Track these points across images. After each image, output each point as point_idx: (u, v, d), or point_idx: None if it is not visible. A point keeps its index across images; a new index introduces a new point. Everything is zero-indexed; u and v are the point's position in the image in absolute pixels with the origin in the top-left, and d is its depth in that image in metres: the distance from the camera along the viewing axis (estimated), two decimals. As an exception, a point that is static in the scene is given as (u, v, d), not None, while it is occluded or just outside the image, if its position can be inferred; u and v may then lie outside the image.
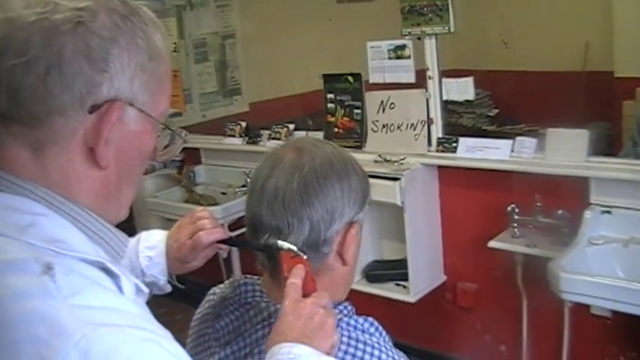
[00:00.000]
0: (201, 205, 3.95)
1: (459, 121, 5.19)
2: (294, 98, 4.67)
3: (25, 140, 0.88)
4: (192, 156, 4.31)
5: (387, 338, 1.37)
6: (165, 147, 1.06)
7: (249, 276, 1.47)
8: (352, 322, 1.34)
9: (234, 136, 4.08)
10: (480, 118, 5.33)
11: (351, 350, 1.28)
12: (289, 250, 1.26)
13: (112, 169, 0.93)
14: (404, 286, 3.28)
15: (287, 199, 1.28)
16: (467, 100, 4.63)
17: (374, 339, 1.33)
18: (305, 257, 1.25)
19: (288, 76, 4.67)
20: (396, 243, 3.36)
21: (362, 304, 3.42)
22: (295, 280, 1.21)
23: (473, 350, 3.35)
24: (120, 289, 0.90)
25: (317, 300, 1.19)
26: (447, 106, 4.44)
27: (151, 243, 1.53)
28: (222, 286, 1.52)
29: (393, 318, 3.46)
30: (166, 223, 4.25)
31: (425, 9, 3.02)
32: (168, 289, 1.56)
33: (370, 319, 1.37)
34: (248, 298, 1.42)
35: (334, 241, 1.31)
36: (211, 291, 1.53)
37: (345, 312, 1.36)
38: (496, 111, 5.27)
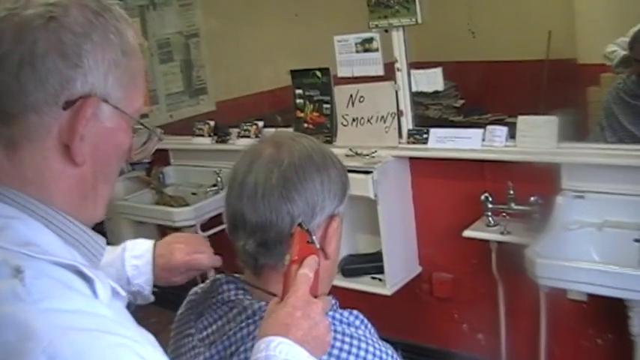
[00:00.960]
0: (172, 206, 3.92)
1: (425, 112, 5.19)
2: (262, 95, 4.64)
3: None
4: (160, 157, 4.27)
5: (372, 331, 1.37)
6: (142, 145, 1.05)
7: (231, 274, 1.45)
8: (337, 315, 1.34)
9: (202, 135, 4.05)
10: (447, 109, 5.34)
11: (338, 344, 1.27)
12: (308, 231, 1.22)
13: (88, 167, 0.92)
14: (380, 279, 3.28)
15: (267, 194, 1.27)
16: (433, 92, 4.67)
17: (360, 332, 1.33)
18: (318, 250, 1.23)
19: (255, 73, 4.64)
20: (371, 236, 3.36)
21: (339, 298, 3.42)
22: (308, 272, 1.17)
23: (451, 340, 3.36)
24: (94, 292, 0.88)
25: (325, 306, 1.18)
26: (413, 98, 4.46)
27: (138, 252, 1.54)
28: (203, 285, 1.50)
29: (371, 311, 3.44)
30: (137, 225, 4.22)
31: (391, 1, 3.02)
32: (152, 299, 1.56)
33: (355, 312, 1.37)
34: (231, 296, 1.40)
35: (316, 235, 1.29)
36: (192, 291, 1.52)
37: (329, 306, 1.35)
38: (462, 102, 5.30)
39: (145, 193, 4.17)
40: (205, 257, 1.54)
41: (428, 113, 5.25)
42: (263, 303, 1.34)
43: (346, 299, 3.29)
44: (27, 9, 0.86)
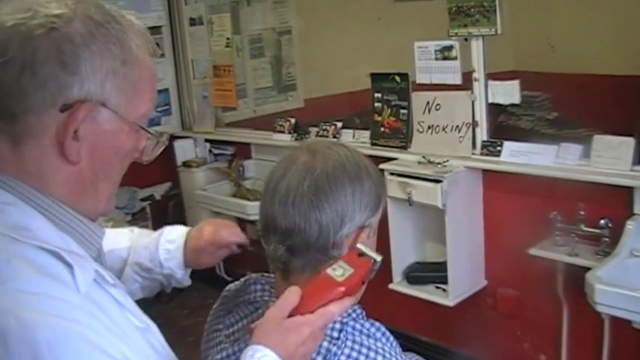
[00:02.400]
0: (248, 199, 3.99)
1: (517, 123, 5.10)
2: (346, 96, 4.66)
3: (4, 133, 0.97)
4: (242, 150, 4.36)
5: (394, 344, 1.36)
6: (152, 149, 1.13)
7: (265, 274, 1.48)
8: (358, 326, 1.34)
9: (283, 132, 4.10)
10: (540, 121, 5.22)
11: (354, 354, 1.28)
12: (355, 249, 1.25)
13: (86, 165, 1.01)
14: (443, 289, 3.25)
15: (297, 200, 1.29)
16: (526, 103, 4.57)
17: (379, 344, 1.32)
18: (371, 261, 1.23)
19: (340, 73, 4.65)
20: (439, 245, 3.32)
21: (401, 305, 3.42)
22: (335, 310, 1.17)
23: (511, 358, 3.29)
24: (73, 277, 0.94)
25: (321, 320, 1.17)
26: (506, 108, 4.38)
27: (172, 237, 1.61)
28: (237, 283, 1.54)
29: (434, 320, 3.44)
30: (214, 216, 4.31)
31: (472, 10, 2.97)
32: (187, 282, 1.64)
33: (377, 324, 1.37)
34: (257, 296, 1.43)
35: (344, 245, 1.31)
36: (227, 287, 1.56)
37: (353, 315, 1.35)
38: (555, 114, 5.16)
39: (224, 184, 4.28)
40: (228, 233, 1.61)
41: (520, 124, 5.14)
42: None
43: (408, 306, 3.32)
44: (33, 19, 0.95)
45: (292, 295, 1.17)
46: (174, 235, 1.62)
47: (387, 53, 3.84)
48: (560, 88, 4.73)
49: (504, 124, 4.47)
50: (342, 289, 1.18)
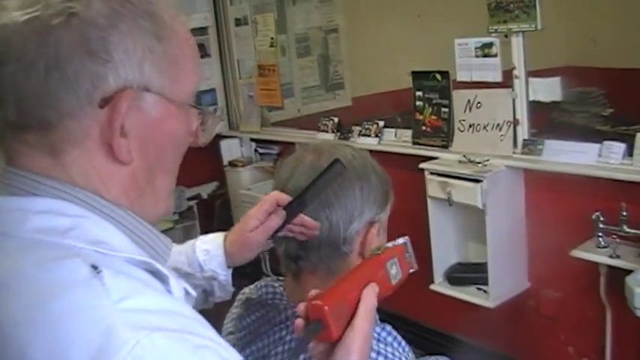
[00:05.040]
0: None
1: (570, 120, 4.98)
2: (393, 94, 4.62)
3: (42, 148, 0.83)
4: (287, 150, 4.37)
5: (407, 348, 1.34)
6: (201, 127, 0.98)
7: (281, 277, 1.48)
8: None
9: (326, 131, 4.09)
10: (594, 117, 5.09)
11: None
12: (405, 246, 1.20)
13: (139, 162, 0.87)
14: (485, 291, 3.19)
15: None
16: (580, 99, 4.46)
17: (389, 349, 1.30)
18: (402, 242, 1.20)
19: (386, 71, 4.62)
20: (481, 246, 3.26)
21: (443, 305, 3.38)
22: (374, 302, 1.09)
23: (555, 361, 3.22)
24: (169, 292, 0.84)
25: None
26: (559, 104, 4.27)
27: (208, 238, 1.48)
28: (251, 286, 1.54)
29: (476, 321, 3.38)
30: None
31: (511, 5, 2.91)
32: (231, 288, 1.48)
33: (389, 327, 1.35)
34: (269, 299, 1.44)
35: (355, 241, 1.32)
36: (242, 291, 1.55)
37: None
38: (610, 110, 5.02)
39: (269, 183, 4.27)
40: (273, 193, 1.38)
41: (574, 120, 5.02)
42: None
43: (450, 306, 3.27)
44: (47, 9, 0.80)
45: (373, 296, 1.08)
46: (210, 236, 1.48)
47: (430, 50, 3.78)
48: (615, 83, 4.60)
49: (557, 121, 4.38)
50: (389, 292, 1.14)
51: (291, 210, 1.31)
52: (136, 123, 0.84)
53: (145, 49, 0.84)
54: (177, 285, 0.86)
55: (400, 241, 1.19)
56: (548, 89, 2.97)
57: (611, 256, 2.70)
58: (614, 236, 2.73)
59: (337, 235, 1.29)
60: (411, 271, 1.19)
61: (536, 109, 3.16)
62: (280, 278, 1.48)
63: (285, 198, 1.33)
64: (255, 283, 1.51)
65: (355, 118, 4.10)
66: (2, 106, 0.82)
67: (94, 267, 0.77)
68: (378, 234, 1.34)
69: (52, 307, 0.74)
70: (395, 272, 1.15)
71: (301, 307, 1.04)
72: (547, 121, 3.94)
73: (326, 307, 1.01)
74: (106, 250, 0.81)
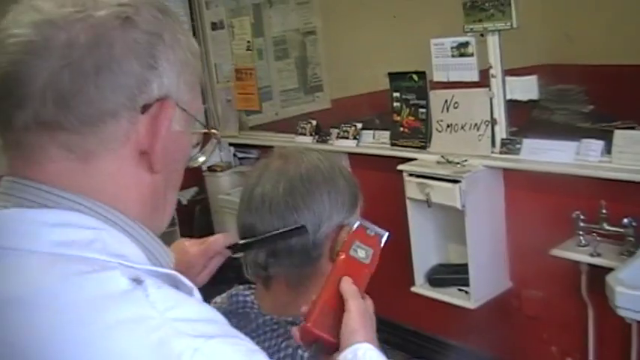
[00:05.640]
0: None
1: (551, 117, 4.98)
2: (372, 96, 4.59)
3: (73, 149, 0.81)
4: (266, 154, 4.32)
5: None
6: (200, 148, 1.00)
7: (250, 286, 1.45)
8: None
9: (304, 134, 4.06)
10: (574, 114, 5.08)
11: None
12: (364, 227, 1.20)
13: (161, 174, 0.87)
14: (466, 292, 3.17)
15: (274, 204, 1.29)
16: (560, 96, 4.45)
17: None
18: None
19: (365, 72, 4.59)
20: (462, 246, 3.24)
21: (425, 307, 3.35)
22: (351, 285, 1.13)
23: (538, 360, 3.20)
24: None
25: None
26: (539, 102, 4.26)
27: None
28: (223, 295, 1.51)
29: (458, 322, 3.36)
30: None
31: (486, 4, 2.89)
32: None
33: None
34: (239, 308, 1.41)
35: (324, 245, 1.31)
36: (213, 300, 1.53)
37: None
38: (591, 107, 5.02)
39: (248, 188, 4.25)
40: (219, 236, 1.44)
41: (554, 118, 5.02)
42: (268, 317, 1.35)
43: (432, 308, 3.25)
44: (98, 10, 0.80)
45: (350, 284, 1.12)
46: None
47: (407, 51, 3.76)
48: (594, 80, 4.60)
49: (538, 119, 4.37)
50: (371, 270, 1.16)
51: (236, 250, 1.35)
52: (167, 133, 0.85)
53: (182, 62, 0.86)
54: (199, 294, 0.85)
55: (355, 225, 1.19)
56: (525, 88, 2.95)
57: (591, 255, 2.69)
58: (595, 234, 2.71)
59: (306, 239, 1.28)
60: (385, 236, 1.19)
61: (516, 107, 3.14)
62: (252, 286, 1.45)
63: (232, 239, 1.37)
64: (227, 292, 1.49)
65: (335, 120, 4.07)
66: (32, 102, 0.78)
67: (136, 279, 0.75)
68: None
69: (97, 322, 0.72)
70: (364, 254, 1.16)
71: (296, 334, 1.08)
72: (527, 119, 3.93)
73: (311, 326, 1.06)
74: (129, 263, 0.79)
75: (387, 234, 1.20)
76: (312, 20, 4.89)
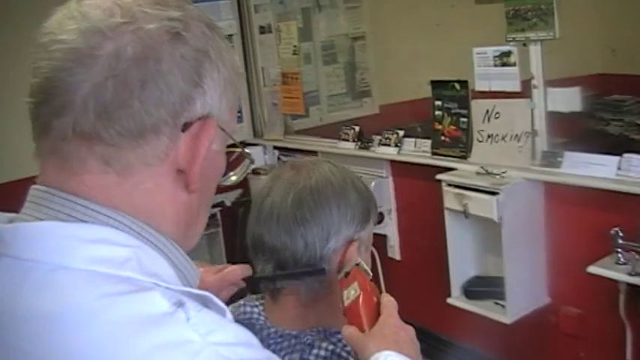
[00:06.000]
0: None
1: (605, 128, 4.87)
2: (420, 102, 4.55)
3: (111, 163, 0.78)
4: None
5: None
6: (234, 168, 1.00)
7: (255, 297, 1.45)
8: (344, 354, 1.29)
9: (347, 140, 4.05)
10: (629, 126, 4.96)
11: None
12: (366, 272, 1.23)
13: (197, 193, 0.86)
14: (502, 305, 3.11)
15: (282, 216, 1.27)
16: (616, 108, 4.34)
17: None
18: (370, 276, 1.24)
19: (413, 79, 4.55)
20: (501, 259, 3.18)
21: (461, 318, 3.29)
22: (391, 298, 1.19)
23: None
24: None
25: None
26: (594, 113, 4.15)
27: None
28: (234, 304, 1.51)
29: (494, 336, 3.30)
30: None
31: (529, 13, 2.83)
32: None
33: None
34: (245, 320, 1.41)
35: (332, 260, 1.29)
36: (225, 309, 1.52)
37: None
38: (646, 119, 4.88)
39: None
40: (236, 268, 1.44)
41: (608, 129, 4.90)
42: (272, 330, 1.34)
43: (468, 320, 3.19)
44: (149, 23, 0.78)
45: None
46: None
47: (450, 59, 3.70)
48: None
49: (592, 130, 4.26)
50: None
51: (251, 282, 1.38)
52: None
53: (226, 82, 0.84)
54: (231, 316, 0.84)
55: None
56: (568, 99, 2.87)
57: (630, 274, 2.60)
58: (633, 252, 2.62)
59: (314, 254, 1.27)
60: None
61: (568, 117, 3.06)
62: (259, 298, 1.45)
63: (248, 271, 1.39)
64: (238, 302, 1.48)
65: (383, 125, 4.03)
66: (72, 111, 0.76)
67: (178, 301, 0.73)
68: (359, 252, 1.31)
69: (136, 345, 0.70)
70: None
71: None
72: (579, 130, 3.84)
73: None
74: (164, 283, 0.77)
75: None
76: (361, 25, 4.87)
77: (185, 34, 0.80)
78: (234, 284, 1.45)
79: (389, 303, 1.17)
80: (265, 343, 1.31)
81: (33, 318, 0.72)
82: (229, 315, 0.83)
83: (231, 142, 0.91)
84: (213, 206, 4.45)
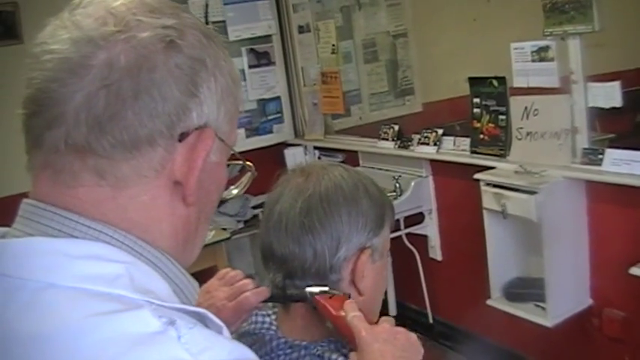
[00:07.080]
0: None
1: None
2: (462, 100, 4.47)
3: (104, 176, 0.76)
4: (350, 158, 4.30)
5: None
6: (236, 179, 0.97)
7: (268, 305, 1.42)
8: None
9: (387, 139, 4.00)
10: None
11: None
12: (323, 292, 1.21)
13: (195, 206, 0.83)
14: (543, 308, 3.02)
15: (290, 224, 1.23)
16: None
17: None
18: (343, 294, 1.22)
19: (454, 76, 4.47)
20: (542, 260, 3.10)
21: (502, 319, 3.22)
22: (356, 313, 1.17)
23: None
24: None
25: (387, 323, 1.18)
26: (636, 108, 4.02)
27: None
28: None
29: (534, 338, 3.22)
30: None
31: (567, 6, 2.74)
32: None
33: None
34: (257, 328, 1.38)
35: (343, 269, 1.24)
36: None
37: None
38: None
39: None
40: (249, 296, 1.34)
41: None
42: (282, 340, 1.31)
43: (508, 321, 3.12)
44: (142, 31, 0.76)
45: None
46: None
47: (487, 55, 3.62)
48: None
49: (634, 126, 4.14)
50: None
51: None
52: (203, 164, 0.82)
53: (224, 91, 0.82)
54: (228, 333, 0.81)
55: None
56: (608, 94, 2.76)
57: (674, 276, 2.50)
58: (677, 254, 2.52)
59: (323, 263, 1.22)
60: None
61: (610, 113, 2.93)
62: (272, 307, 1.42)
63: (262, 296, 1.31)
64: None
65: (426, 124, 3.96)
66: (64, 123, 0.74)
67: (167, 319, 0.71)
68: (372, 260, 1.27)
69: None
70: None
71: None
72: (621, 126, 3.71)
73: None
74: (157, 301, 0.74)
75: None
76: (402, 22, 4.81)
77: (180, 42, 0.77)
78: (249, 312, 1.37)
79: (352, 321, 1.16)
80: (274, 353, 1.28)
81: (20, 338, 0.70)
82: (226, 332, 0.79)
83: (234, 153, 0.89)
84: (255, 207, 4.49)
